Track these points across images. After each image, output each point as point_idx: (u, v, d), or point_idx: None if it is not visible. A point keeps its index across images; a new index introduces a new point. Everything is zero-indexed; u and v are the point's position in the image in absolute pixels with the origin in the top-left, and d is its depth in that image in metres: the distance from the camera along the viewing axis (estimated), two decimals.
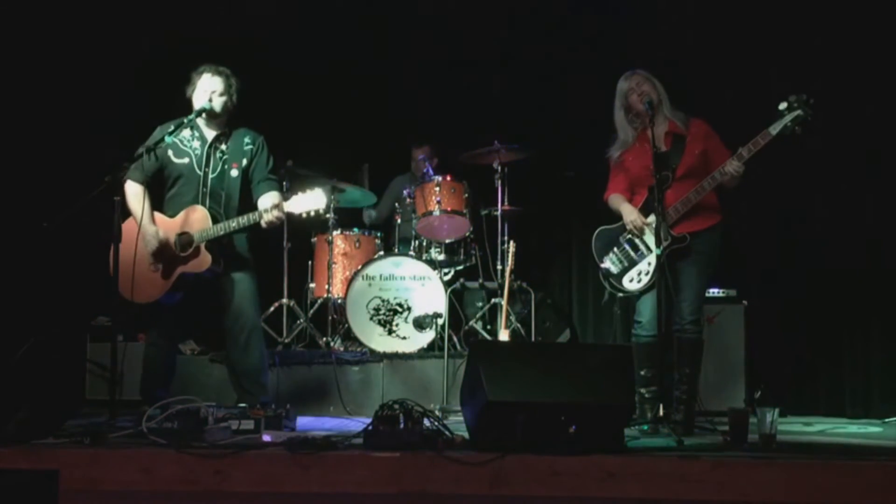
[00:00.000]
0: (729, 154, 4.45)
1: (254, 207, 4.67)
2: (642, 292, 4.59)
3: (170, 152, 4.69)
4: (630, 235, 4.64)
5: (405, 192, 6.44)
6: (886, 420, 5.38)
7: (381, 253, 6.28)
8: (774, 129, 4.35)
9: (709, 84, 5.88)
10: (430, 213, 6.15)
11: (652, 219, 4.45)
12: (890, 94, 5.60)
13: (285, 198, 4.64)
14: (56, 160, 6.15)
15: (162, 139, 4.60)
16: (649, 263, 4.56)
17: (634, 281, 4.61)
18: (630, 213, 4.62)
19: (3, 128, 6.04)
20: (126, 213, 4.57)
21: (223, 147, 4.73)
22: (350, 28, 6.89)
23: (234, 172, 4.72)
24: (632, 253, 4.63)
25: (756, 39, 5.95)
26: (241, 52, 6.32)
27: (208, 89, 4.66)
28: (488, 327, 6.28)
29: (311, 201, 4.50)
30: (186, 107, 4.73)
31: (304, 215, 4.53)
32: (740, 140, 4.43)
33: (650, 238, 4.53)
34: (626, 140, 4.66)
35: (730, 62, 5.98)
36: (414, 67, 6.93)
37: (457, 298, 6.35)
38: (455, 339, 6.08)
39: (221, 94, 4.68)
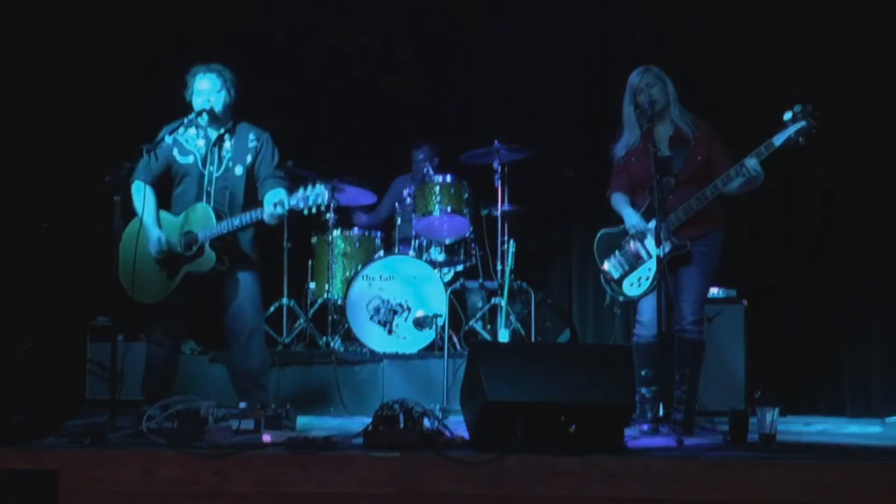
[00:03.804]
0: (731, 162, 4.42)
1: (260, 205, 4.67)
2: (641, 296, 4.59)
3: (175, 151, 4.70)
4: (631, 240, 4.63)
5: (405, 193, 6.44)
6: (886, 420, 5.38)
7: (381, 253, 6.28)
8: (778, 140, 4.31)
9: (712, 88, 5.89)
10: (430, 213, 6.15)
11: (654, 224, 4.44)
12: (890, 95, 5.60)
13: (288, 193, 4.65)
14: (57, 160, 6.15)
15: (162, 139, 4.62)
16: (649, 269, 4.54)
17: (635, 286, 4.60)
18: (631, 218, 4.60)
19: (4, 127, 6.03)
20: (132, 212, 4.58)
21: (227, 145, 4.73)
22: (351, 27, 6.89)
23: (239, 170, 4.72)
24: (632, 258, 4.62)
25: (760, 45, 5.96)
26: (241, 51, 6.36)
27: (205, 89, 4.66)
28: (488, 327, 6.27)
29: (312, 197, 4.49)
30: (187, 108, 4.73)
31: (307, 212, 4.53)
32: (743, 146, 4.42)
33: (651, 243, 4.51)
34: (632, 139, 4.65)
35: (733, 68, 5.99)
36: (414, 67, 6.93)
37: (457, 298, 6.35)
38: (455, 339, 6.08)
39: (219, 91, 4.68)
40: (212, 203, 4.64)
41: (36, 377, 3.95)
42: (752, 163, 4.32)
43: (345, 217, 6.64)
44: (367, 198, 6.73)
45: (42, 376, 3.99)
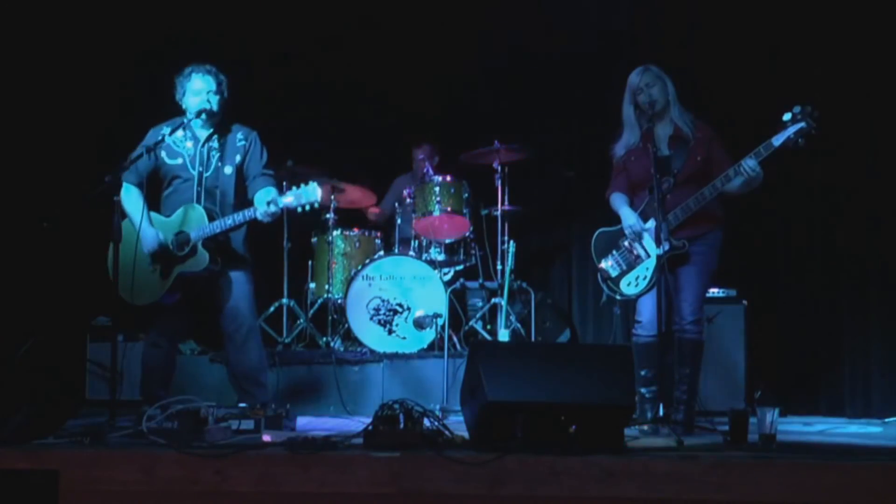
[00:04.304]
0: (731, 162, 4.42)
1: (251, 204, 4.67)
2: (639, 295, 4.59)
3: (163, 153, 4.68)
4: (629, 240, 4.63)
5: (405, 192, 6.44)
6: (886, 420, 5.38)
7: (381, 253, 6.28)
8: (777, 141, 4.30)
9: (713, 89, 5.89)
10: (430, 213, 6.15)
11: (651, 224, 4.45)
12: (890, 96, 5.61)
13: (280, 192, 4.64)
14: (56, 160, 6.16)
15: (162, 139, 4.60)
16: (647, 268, 4.55)
17: (632, 285, 4.61)
18: (629, 218, 4.61)
19: (4, 128, 6.03)
20: (124, 214, 4.57)
21: (216, 145, 4.72)
22: (351, 27, 6.90)
23: (228, 170, 4.71)
24: (630, 257, 4.62)
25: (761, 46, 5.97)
26: (240, 49, 6.37)
27: (201, 90, 4.65)
28: (488, 327, 6.28)
29: (306, 195, 4.49)
30: (177, 109, 4.72)
31: (301, 209, 4.52)
32: (743, 147, 4.42)
33: (650, 243, 4.52)
34: (632, 139, 4.64)
35: (734, 68, 5.99)
36: (415, 67, 6.93)
37: (457, 298, 6.35)
38: (455, 339, 6.08)
39: (216, 93, 4.67)
40: (203, 203, 4.63)
41: (36, 377, 3.95)
42: (750, 163, 4.32)
43: (346, 217, 6.64)
44: (367, 198, 6.73)
45: (42, 376, 3.98)
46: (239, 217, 4.55)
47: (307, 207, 4.51)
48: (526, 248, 6.15)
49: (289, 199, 4.49)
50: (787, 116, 4.33)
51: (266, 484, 3.43)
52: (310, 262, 6.51)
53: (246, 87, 4.89)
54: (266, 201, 4.51)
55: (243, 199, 4.71)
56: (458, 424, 4.00)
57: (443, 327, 5.75)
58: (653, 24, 6.45)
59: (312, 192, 4.48)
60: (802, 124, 4.29)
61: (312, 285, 6.43)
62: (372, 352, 5.83)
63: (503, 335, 5.64)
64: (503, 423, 3.54)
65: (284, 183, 6.11)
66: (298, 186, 4.51)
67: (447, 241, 6.29)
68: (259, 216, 4.52)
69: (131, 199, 4.59)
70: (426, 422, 3.66)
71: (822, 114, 4.30)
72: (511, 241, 5.74)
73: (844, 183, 5.78)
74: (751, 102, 5.71)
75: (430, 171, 6.40)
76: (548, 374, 3.67)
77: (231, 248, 4.70)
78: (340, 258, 6.32)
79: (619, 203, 4.70)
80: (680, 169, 4.52)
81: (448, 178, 6.23)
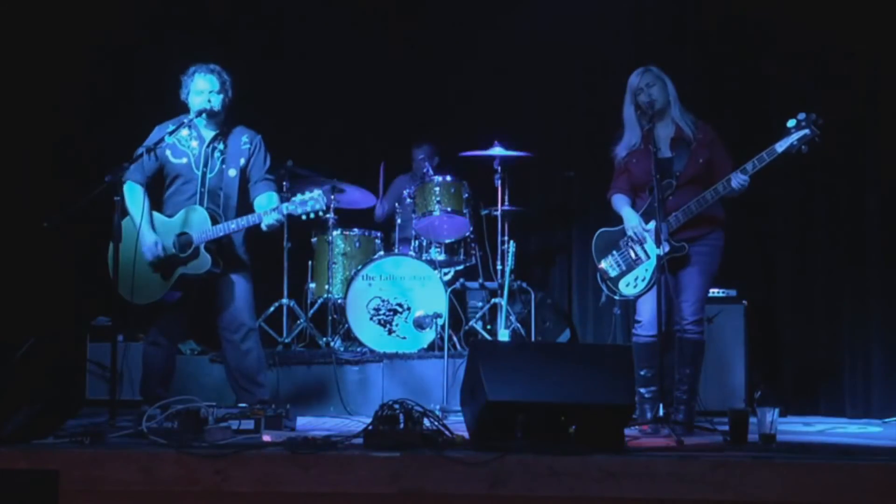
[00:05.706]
0: (732, 164, 4.43)
1: (252, 207, 4.67)
2: (637, 296, 4.60)
3: (168, 152, 4.68)
4: (629, 240, 4.63)
5: (405, 192, 6.44)
6: (886, 420, 5.38)
7: (381, 253, 6.28)
8: (780, 147, 4.30)
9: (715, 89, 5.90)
10: (430, 213, 6.15)
11: (652, 225, 4.45)
12: (891, 95, 5.61)
13: (284, 198, 4.64)
14: (57, 160, 6.15)
15: (162, 139, 4.59)
16: (646, 270, 4.55)
17: (631, 286, 4.61)
18: (631, 219, 4.61)
19: (3, 127, 6.03)
20: (126, 212, 4.56)
21: (221, 147, 4.72)
22: (352, 26, 6.90)
23: (232, 173, 4.71)
24: (631, 258, 4.62)
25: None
26: (241, 47, 6.37)
27: (204, 89, 4.65)
28: (488, 327, 6.28)
29: (310, 203, 4.49)
30: (180, 107, 4.72)
31: (304, 217, 4.52)
32: (745, 150, 4.41)
33: (650, 245, 4.52)
34: (633, 140, 4.64)
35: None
36: (415, 66, 6.93)
37: (457, 298, 6.35)
38: (455, 339, 6.08)
39: (219, 93, 4.67)
40: (206, 205, 4.63)
41: (36, 377, 3.95)
42: (741, 178, 4.32)
43: (346, 217, 6.63)
44: (367, 199, 6.73)
45: (42, 376, 3.99)
46: (242, 222, 4.55)
47: (311, 215, 4.52)
48: (526, 248, 6.13)
49: (293, 207, 4.50)
50: (791, 123, 4.32)
51: (266, 484, 3.43)
52: (310, 262, 6.50)
53: (244, 87, 4.88)
54: (270, 208, 4.53)
55: (246, 202, 4.72)
56: (458, 424, 4.01)
57: (443, 327, 5.75)
58: (654, 23, 6.45)
59: (318, 200, 4.49)
60: (806, 131, 4.28)
61: (312, 285, 6.43)
62: (372, 352, 5.82)
63: (503, 335, 5.64)
64: (503, 423, 3.54)
65: (285, 183, 6.13)
66: (303, 193, 4.51)
67: (447, 241, 6.29)
68: (263, 226, 4.53)
69: (135, 199, 4.59)
70: (426, 422, 3.67)
71: (824, 114, 4.30)
72: (511, 241, 5.74)
73: (844, 182, 5.78)
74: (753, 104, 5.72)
75: (430, 171, 6.40)
76: (548, 374, 3.67)
77: (233, 250, 4.70)
78: (340, 258, 6.31)
79: (621, 204, 4.69)
80: (681, 170, 4.52)
81: (448, 178, 6.23)
